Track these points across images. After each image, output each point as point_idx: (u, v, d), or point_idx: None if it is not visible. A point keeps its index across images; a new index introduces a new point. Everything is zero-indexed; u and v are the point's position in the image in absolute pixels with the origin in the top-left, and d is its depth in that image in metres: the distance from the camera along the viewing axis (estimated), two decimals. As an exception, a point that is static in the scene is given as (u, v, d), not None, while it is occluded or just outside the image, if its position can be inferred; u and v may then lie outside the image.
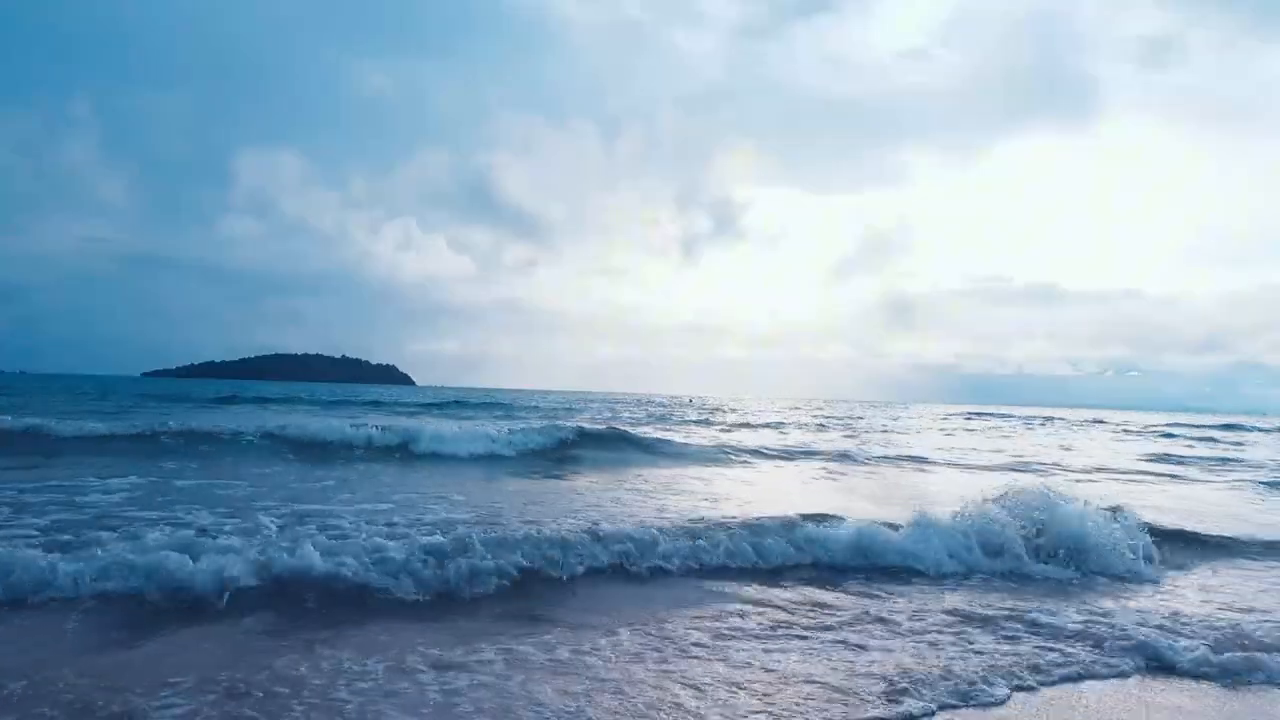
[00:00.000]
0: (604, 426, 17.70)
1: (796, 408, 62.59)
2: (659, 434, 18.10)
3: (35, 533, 6.09)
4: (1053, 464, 17.04)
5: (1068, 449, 23.70)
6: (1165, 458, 20.86)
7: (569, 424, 16.32)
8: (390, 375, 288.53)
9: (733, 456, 15.54)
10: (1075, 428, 40.15)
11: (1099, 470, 16.28)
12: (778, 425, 31.07)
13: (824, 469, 14.29)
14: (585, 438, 15.24)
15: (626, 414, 36.47)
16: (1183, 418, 71.51)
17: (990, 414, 59.39)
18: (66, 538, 5.80)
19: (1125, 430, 39.15)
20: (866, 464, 15.36)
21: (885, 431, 30.28)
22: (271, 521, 6.73)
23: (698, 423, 30.91)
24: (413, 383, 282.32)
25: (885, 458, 16.51)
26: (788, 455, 16.29)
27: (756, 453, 16.24)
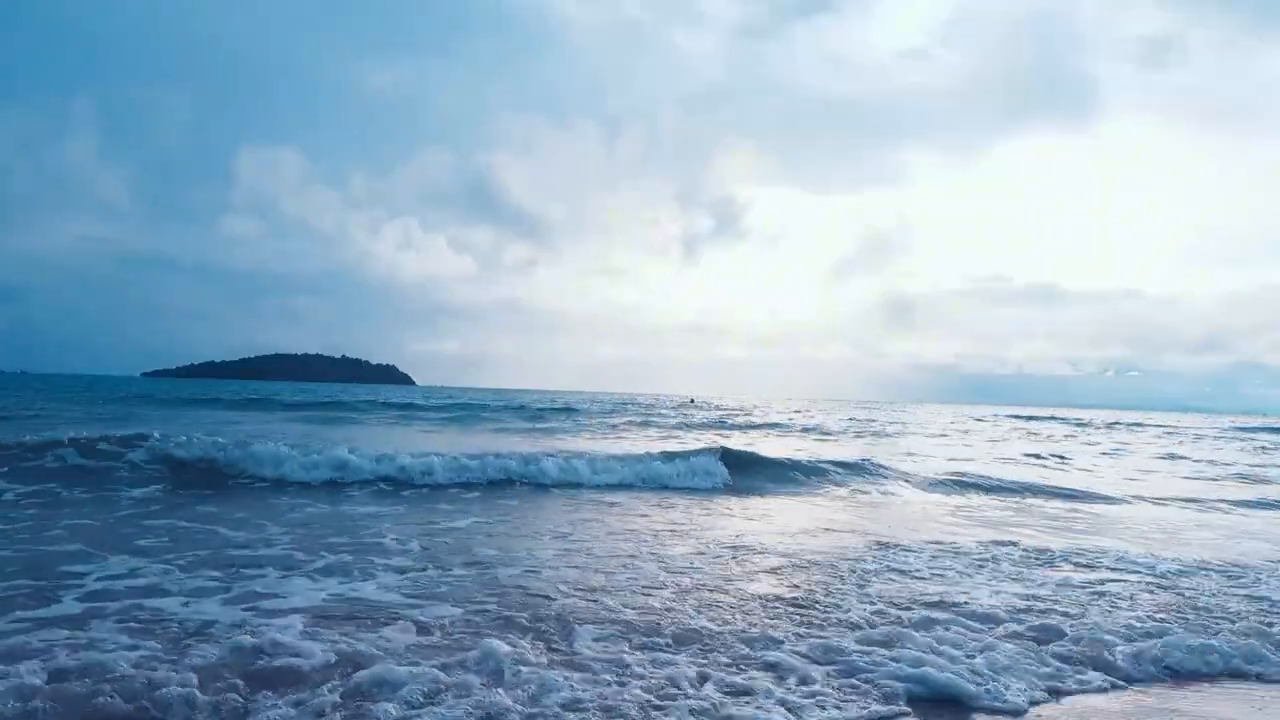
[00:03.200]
0: (725, 443, 15.47)
1: (829, 411, 60.44)
2: (785, 451, 15.86)
3: None
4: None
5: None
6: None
7: (700, 443, 14.09)
8: (390, 375, 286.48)
9: (901, 481, 13.33)
10: (1166, 436, 38.01)
11: None
12: (837, 431, 28.99)
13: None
14: (733, 461, 12.98)
15: (650, 417, 34.31)
16: (1196, 419, 69.60)
17: (1022, 416, 57.26)
18: None
19: (1219, 435, 37.12)
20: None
21: (954, 441, 28.17)
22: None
23: (781, 428, 28.77)
24: (413, 382, 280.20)
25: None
26: (998, 487, 12.92)
27: (902, 475, 13.95)
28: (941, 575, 6.42)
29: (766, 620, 4.93)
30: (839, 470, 13.71)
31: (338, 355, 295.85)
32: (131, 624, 4.53)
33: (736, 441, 21.81)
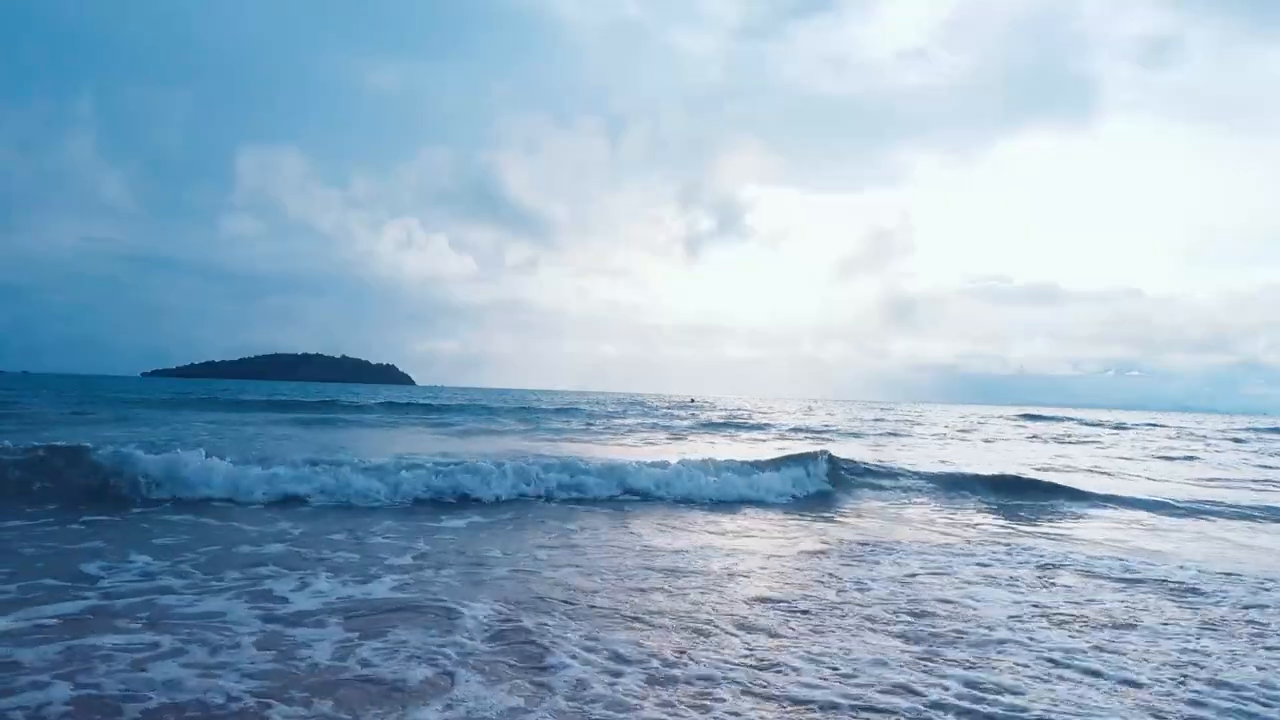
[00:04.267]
0: (730, 445, 14.80)
1: (834, 411, 60.01)
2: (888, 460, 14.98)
3: None
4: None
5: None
6: None
7: (700, 443, 13.31)
8: (390, 375, 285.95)
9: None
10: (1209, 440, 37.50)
11: None
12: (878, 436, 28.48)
13: None
14: (836, 473, 12.30)
15: (662, 418, 33.88)
16: (1207, 420, 69.16)
17: (1043, 416, 56.70)
18: None
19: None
20: None
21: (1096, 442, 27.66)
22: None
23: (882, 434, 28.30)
24: (413, 382, 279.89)
25: None
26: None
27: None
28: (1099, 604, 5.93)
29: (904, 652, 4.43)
30: (892, 476, 13.11)
31: (338, 355, 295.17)
32: (163, 631, 4.08)
33: (741, 443, 21.33)
